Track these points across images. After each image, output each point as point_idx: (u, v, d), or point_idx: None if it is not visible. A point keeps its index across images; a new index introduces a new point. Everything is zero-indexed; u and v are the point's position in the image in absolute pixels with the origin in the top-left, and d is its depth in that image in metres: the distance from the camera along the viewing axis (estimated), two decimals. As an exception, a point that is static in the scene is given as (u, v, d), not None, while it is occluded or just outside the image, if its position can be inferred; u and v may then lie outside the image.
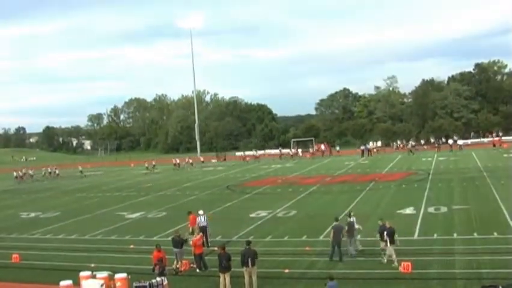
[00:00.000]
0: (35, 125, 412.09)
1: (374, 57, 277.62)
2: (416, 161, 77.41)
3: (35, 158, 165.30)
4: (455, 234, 29.86)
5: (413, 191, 47.57)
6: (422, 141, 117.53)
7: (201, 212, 31.99)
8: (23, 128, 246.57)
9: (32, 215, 49.05)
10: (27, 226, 42.58)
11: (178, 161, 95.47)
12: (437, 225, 32.61)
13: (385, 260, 25.38)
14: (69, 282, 22.38)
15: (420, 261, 24.56)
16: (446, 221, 34.04)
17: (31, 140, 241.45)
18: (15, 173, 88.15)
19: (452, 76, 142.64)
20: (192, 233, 29.65)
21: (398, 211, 37.93)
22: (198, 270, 26.04)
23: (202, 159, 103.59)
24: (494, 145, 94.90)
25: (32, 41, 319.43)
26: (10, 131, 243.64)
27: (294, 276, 21.87)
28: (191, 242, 26.71)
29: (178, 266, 26.28)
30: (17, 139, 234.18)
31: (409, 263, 23.66)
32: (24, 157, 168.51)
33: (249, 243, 23.69)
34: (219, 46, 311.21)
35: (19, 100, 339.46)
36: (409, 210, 37.90)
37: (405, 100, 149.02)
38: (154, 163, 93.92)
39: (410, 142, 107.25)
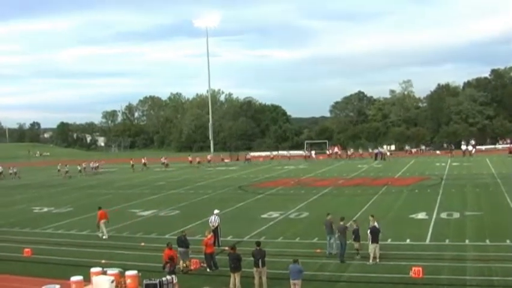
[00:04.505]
0: (49, 120, 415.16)
1: (390, 61, 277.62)
2: (430, 166, 77.19)
3: (49, 154, 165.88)
4: (467, 241, 29.71)
5: (426, 196, 47.38)
6: (423, 146, 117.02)
7: (216, 211, 32.11)
8: (38, 123, 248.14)
9: (45, 209, 49.29)
10: (39, 221, 42.83)
11: (84, 166, 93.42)
12: (449, 231, 32.47)
13: (371, 262, 25.76)
14: (80, 277, 22.41)
15: (431, 267, 24.47)
16: (458, 227, 33.88)
17: (45, 135, 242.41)
18: None
19: (468, 81, 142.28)
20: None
21: (411, 216, 37.80)
22: (208, 269, 26.04)
23: (209, 158, 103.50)
24: (510, 152, 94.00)
25: (49, 36, 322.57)
26: (25, 126, 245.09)
27: (304, 278, 21.78)
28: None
29: (185, 265, 26.24)
30: (31, 134, 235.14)
31: (420, 268, 23.55)
32: (38, 152, 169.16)
33: (259, 243, 23.69)
34: (235, 46, 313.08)
35: (34, 95, 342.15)
36: (421, 215, 37.73)
37: (420, 104, 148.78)
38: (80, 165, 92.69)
39: (381, 148, 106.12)
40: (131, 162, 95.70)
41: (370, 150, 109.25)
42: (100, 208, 36.13)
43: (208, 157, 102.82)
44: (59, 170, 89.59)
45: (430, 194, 48.33)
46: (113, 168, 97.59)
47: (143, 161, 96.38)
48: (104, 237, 34.92)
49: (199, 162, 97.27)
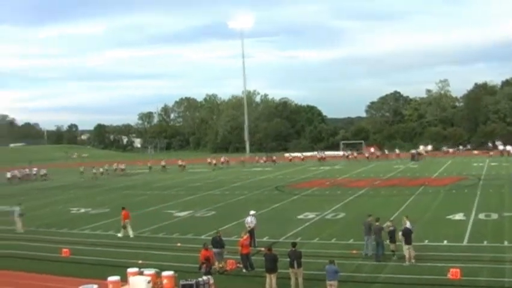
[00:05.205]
0: (86, 122, 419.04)
1: (426, 60, 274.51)
2: (467, 166, 76.44)
3: (87, 155, 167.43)
4: (505, 242, 29.31)
5: (463, 197, 46.94)
6: (461, 147, 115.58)
7: (252, 212, 32.22)
8: (75, 125, 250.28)
9: (82, 210, 49.82)
10: (77, 221, 43.29)
11: (106, 168, 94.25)
12: (487, 232, 32.09)
13: (407, 263, 25.67)
14: (117, 278, 22.61)
15: (469, 268, 24.19)
16: (496, 228, 33.48)
17: (83, 137, 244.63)
18: (8, 174, 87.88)
19: (506, 80, 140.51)
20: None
21: (448, 216, 37.44)
22: (244, 270, 26.08)
23: (223, 159, 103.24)
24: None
25: (86, 39, 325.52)
26: (63, 128, 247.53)
27: (340, 279, 21.71)
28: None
29: (220, 266, 26.30)
30: (69, 136, 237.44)
31: (458, 270, 23.32)
32: (76, 153, 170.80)
33: (294, 244, 23.70)
34: (269, 47, 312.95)
35: (72, 97, 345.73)
36: (459, 216, 37.36)
37: (456, 104, 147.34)
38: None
39: (418, 149, 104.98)
40: (149, 164, 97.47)
41: (385, 151, 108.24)
42: (123, 208, 37.05)
43: (222, 159, 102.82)
44: (82, 172, 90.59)
45: (468, 195, 47.85)
46: (153, 169, 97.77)
47: (162, 163, 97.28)
48: (119, 235, 36.03)
49: (215, 164, 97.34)
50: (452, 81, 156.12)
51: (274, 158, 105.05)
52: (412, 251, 25.82)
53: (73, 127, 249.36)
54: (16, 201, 46.42)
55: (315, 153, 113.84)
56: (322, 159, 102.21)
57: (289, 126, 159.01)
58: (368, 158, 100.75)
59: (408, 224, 26.84)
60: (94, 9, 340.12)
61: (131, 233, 35.86)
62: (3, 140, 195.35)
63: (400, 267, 25.35)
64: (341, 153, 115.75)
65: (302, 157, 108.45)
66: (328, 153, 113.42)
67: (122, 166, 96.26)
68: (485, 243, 29.38)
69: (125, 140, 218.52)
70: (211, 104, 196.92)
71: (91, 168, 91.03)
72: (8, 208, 47.24)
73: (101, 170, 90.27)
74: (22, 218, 40.54)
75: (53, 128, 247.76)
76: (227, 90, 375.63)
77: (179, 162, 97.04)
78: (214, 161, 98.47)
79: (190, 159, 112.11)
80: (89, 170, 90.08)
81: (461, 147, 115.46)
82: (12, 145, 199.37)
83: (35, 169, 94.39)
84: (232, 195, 55.27)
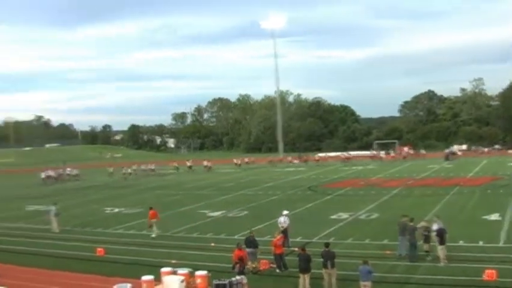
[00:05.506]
0: (120, 123, 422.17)
1: (460, 59, 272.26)
2: (502, 166, 75.53)
3: (120, 155, 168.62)
4: (542, 243, 28.93)
5: (499, 197, 46.34)
6: (496, 146, 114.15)
7: (285, 212, 32.13)
8: (109, 126, 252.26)
9: (116, 210, 50.25)
10: (111, 221, 43.75)
11: (134, 168, 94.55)
12: (523, 233, 31.69)
13: (442, 264, 25.42)
14: (151, 277, 22.73)
15: (505, 270, 23.86)
16: (533, 228, 33.06)
17: (117, 137, 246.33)
18: (43, 174, 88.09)
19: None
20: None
21: (483, 217, 37.02)
22: (277, 270, 26.06)
23: (247, 159, 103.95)
24: None
25: (119, 40, 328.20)
26: (97, 129, 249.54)
27: (374, 280, 21.60)
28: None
29: (254, 266, 26.31)
30: (103, 136, 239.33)
31: (494, 271, 23.05)
32: (109, 154, 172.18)
33: (327, 245, 23.67)
34: (302, 47, 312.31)
35: (106, 98, 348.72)
36: (494, 217, 36.90)
37: (491, 103, 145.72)
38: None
39: (450, 149, 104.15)
40: (176, 164, 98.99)
41: (411, 151, 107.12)
42: (151, 208, 37.53)
43: (246, 159, 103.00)
44: (111, 173, 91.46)
45: (503, 195, 47.28)
46: (180, 170, 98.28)
47: (187, 163, 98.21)
48: (153, 235, 36.27)
49: (239, 165, 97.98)
50: (487, 79, 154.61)
51: (305, 157, 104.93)
52: (445, 251, 25.62)
53: (106, 128, 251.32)
54: (51, 201, 46.97)
55: (340, 153, 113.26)
56: (346, 159, 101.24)
57: (323, 126, 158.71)
58: (394, 157, 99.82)
59: (441, 224, 26.66)
60: (127, 11, 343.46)
61: (154, 233, 36.46)
62: (38, 141, 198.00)
63: (434, 268, 25.13)
64: (368, 152, 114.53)
65: (326, 157, 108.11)
66: (354, 153, 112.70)
67: (152, 166, 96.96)
68: (521, 243, 29.02)
69: (158, 140, 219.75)
70: (244, 104, 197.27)
71: (120, 168, 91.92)
72: (44, 208, 47.89)
73: (129, 170, 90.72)
74: (58, 218, 41.00)
75: (87, 129, 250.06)
76: (260, 90, 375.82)
77: (205, 163, 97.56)
78: (239, 162, 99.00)
79: (216, 160, 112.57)
80: (118, 171, 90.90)
81: (496, 146, 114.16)
82: (47, 145, 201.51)
83: (68, 169, 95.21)
84: (265, 195, 55.29)
